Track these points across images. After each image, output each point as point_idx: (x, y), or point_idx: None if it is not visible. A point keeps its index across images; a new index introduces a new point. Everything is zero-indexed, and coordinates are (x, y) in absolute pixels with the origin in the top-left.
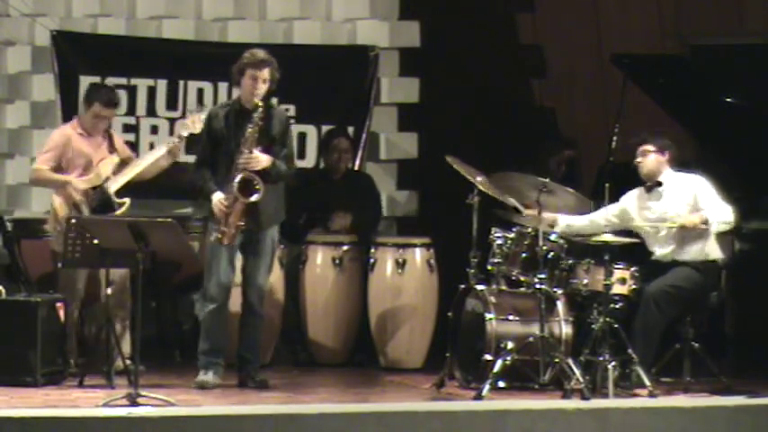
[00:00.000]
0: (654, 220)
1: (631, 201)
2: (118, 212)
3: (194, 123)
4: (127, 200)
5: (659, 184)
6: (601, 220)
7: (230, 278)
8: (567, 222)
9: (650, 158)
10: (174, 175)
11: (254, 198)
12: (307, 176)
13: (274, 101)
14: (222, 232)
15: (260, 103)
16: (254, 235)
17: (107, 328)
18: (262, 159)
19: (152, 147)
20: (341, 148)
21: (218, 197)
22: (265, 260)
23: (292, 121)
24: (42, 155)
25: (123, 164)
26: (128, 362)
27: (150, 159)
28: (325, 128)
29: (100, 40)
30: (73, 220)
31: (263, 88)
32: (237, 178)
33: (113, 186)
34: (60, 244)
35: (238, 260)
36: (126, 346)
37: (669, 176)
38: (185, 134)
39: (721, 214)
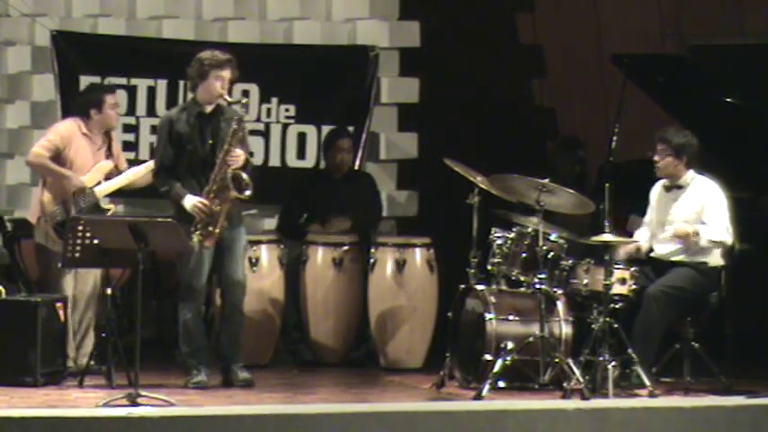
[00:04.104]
0: (664, 221)
1: (653, 196)
2: None
3: None
4: (112, 206)
5: (679, 186)
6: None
7: (205, 280)
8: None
9: (665, 161)
10: None
11: (247, 193)
12: (307, 176)
13: (245, 100)
14: (207, 234)
15: (244, 100)
16: (229, 233)
17: (110, 327)
18: (242, 157)
19: (152, 147)
20: (343, 149)
21: (194, 200)
22: (242, 258)
23: (292, 120)
24: (44, 141)
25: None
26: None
27: (142, 171)
28: (325, 128)
29: (100, 40)
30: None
31: (227, 88)
32: (229, 176)
33: (102, 191)
34: (43, 237)
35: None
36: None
37: (691, 179)
38: None
39: (715, 234)
